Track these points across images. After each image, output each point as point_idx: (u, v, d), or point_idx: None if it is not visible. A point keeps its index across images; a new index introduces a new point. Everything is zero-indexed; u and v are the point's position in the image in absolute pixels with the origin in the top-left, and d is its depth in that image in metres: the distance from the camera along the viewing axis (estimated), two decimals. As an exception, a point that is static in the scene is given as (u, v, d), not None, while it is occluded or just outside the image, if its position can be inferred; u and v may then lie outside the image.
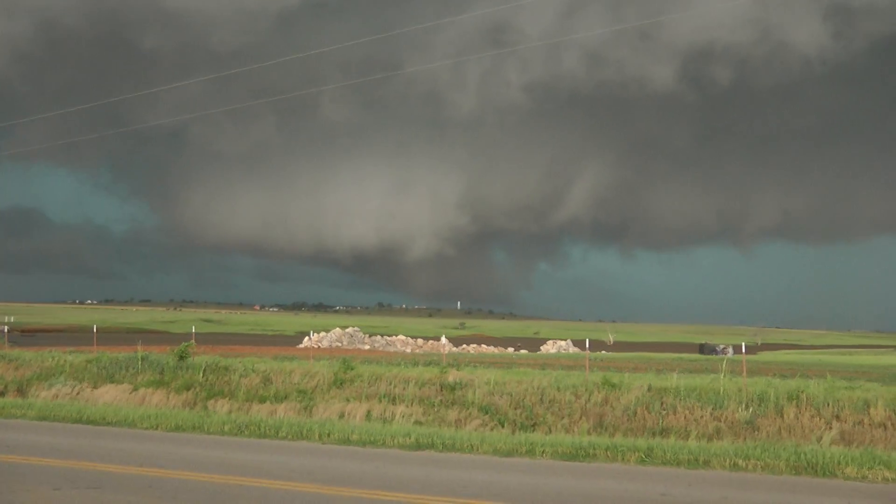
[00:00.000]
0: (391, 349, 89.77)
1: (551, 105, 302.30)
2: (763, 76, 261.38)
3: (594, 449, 16.47)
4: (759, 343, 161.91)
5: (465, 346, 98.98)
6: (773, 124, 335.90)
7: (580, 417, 19.97)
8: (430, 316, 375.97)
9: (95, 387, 25.40)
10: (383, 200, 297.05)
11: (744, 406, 19.46)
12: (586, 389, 21.41)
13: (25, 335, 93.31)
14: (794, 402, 19.43)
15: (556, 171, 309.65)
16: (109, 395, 24.59)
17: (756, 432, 18.44)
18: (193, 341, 29.31)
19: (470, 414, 20.59)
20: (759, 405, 19.52)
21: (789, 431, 18.34)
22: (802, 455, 15.51)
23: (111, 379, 25.73)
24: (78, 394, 25.23)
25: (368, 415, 21.08)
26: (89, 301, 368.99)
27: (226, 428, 19.62)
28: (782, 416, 19.01)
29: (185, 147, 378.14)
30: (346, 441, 18.02)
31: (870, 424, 18.41)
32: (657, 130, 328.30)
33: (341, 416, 21.23)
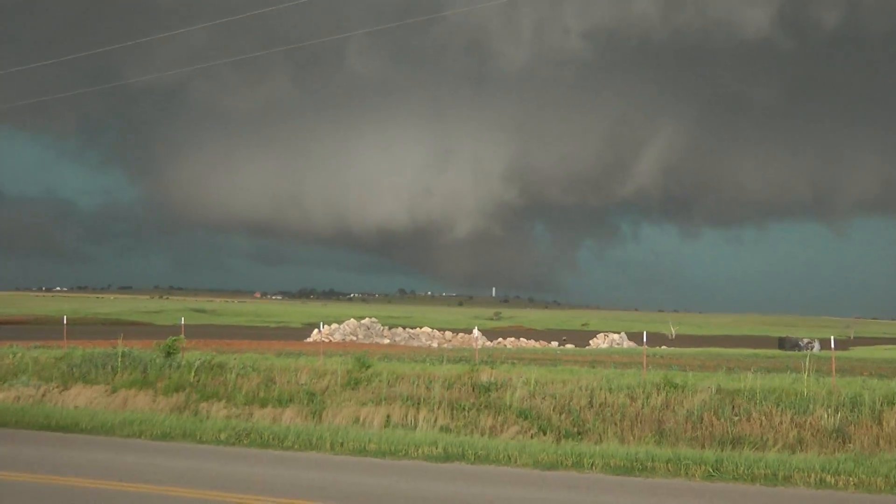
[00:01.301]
0: (414, 343, 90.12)
1: (616, 56, 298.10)
2: (877, 19, 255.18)
3: (652, 461, 16.48)
4: (852, 337, 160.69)
5: (500, 339, 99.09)
6: (885, 77, 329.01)
7: (636, 424, 19.96)
8: (461, 305, 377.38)
9: (66, 387, 25.71)
10: (416, 169, 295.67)
11: (832, 411, 19.33)
12: (644, 391, 21.37)
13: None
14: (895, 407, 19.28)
15: (619, 134, 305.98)
16: (83, 398, 24.88)
17: (847, 443, 18.32)
18: (183, 335, 29.60)
19: (506, 420, 20.65)
20: (852, 410, 19.37)
21: (889, 442, 18.20)
22: (905, 471, 15.38)
23: (84, 378, 26.01)
24: (44, 395, 25.55)
25: (388, 420, 21.21)
26: (58, 288, 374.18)
27: (222, 436, 19.84)
28: (880, 424, 18.86)
29: (175, 107, 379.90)
30: (362, 451, 18.17)
31: None
32: (743, 85, 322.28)
33: (356, 421, 21.37)
